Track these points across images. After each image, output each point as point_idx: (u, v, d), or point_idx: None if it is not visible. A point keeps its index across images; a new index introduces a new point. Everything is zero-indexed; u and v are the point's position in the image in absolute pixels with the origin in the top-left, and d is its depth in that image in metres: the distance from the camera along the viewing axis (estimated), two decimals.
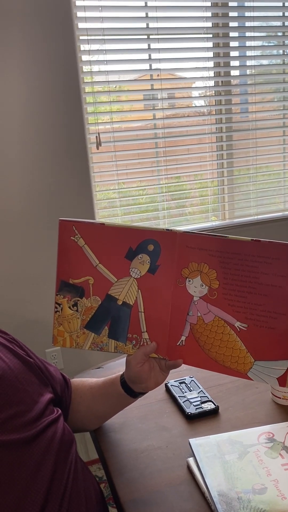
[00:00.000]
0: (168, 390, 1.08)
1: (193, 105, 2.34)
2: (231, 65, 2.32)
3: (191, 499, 0.78)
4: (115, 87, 2.14)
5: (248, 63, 2.33)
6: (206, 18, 2.17)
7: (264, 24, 2.31)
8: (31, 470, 0.75)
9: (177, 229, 0.80)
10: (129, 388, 0.89)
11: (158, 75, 2.17)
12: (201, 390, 1.05)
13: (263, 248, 0.74)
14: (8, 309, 2.06)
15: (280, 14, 2.31)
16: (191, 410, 0.98)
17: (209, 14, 2.18)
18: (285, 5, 2.30)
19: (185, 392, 1.05)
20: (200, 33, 2.19)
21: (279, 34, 2.36)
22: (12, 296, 2.06)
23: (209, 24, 2.21)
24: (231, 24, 2.27)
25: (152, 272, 0.81)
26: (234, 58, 2.30)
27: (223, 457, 0.83)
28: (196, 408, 0.99)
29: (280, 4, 2.29)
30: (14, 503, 0.71)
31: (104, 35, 2.02)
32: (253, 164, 2.45)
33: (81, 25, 1.97)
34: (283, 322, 0.75)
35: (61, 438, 0.82)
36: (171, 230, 0.79)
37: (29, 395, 0.82)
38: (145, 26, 2.11)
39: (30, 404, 0.81)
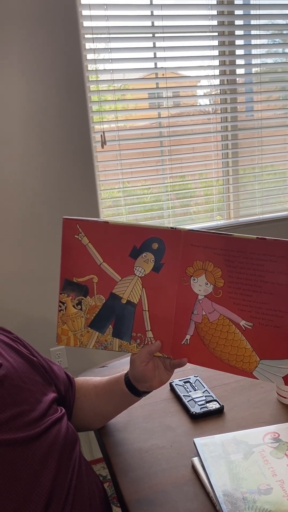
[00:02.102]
0: (172, 389, 1.08)
1: (198, 104, 2.33)
2: (236, 63, 2.31)
3: (195, 499, 0.78)
4: (120, 85, 2.13)
5: (254, 61, 2.32)
6: (211, 16, 2.16)
7: (270, 22, 2.30)
8: (35, 469, 0.74)
9: (182, 227, 0.79)
10: (134, 387, 0.88)
11: (163, 74, 2.16)
12: (206, 390, 1.04)
13: (268, 246, 0.74)
14: (12, 308, 2.06)
15: (287, 12, 2.30)
16: (195, 409, 0.98)
17: (214, 12, 2.17)
18: None
19: (190, 391, 1.05)
20: (206, 32, 2.18)
21: (285, 32, 2.34)
22: (16, 294, 2.06)
23: (215, 22, 2.20)
24: (237, 22, 2.26)
25: (156, 271, 0.81)
26: (240, 56, 2.29)
27: (228, 457, 0.82)
28: (201, 408, 0.98)
29: (287, 2, 2.28)
30: (18, 501, 0.71)
31: (109, 33, 2.01)
32: (258, 163, 2.44)
33: (86, 23, 1.97)
34: None
35: (65, 437, 0.82)
36: (175, 228, 0.79)
37: (33, 394, 0.82)
38: (150, 25, 2.11)
39: (34, 403, 0.81)
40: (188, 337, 0.82)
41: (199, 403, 1.00)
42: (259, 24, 2.25)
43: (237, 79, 2.32)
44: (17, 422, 0.76)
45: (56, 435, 0.80)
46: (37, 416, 0.79)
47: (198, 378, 1.09)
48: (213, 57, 2.22)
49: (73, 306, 0.84)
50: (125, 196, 2.22)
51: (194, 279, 0.79)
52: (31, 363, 0.87)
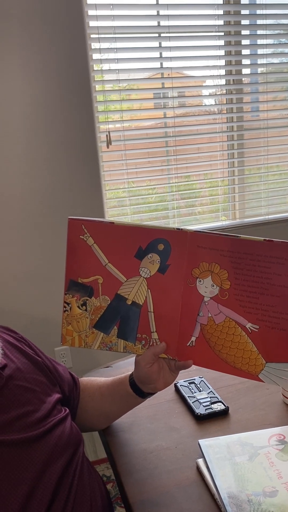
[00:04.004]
0: (177, 390, 1.07)
1: (204, 104, 2.32)
2: (242, 63, 2.30)
3: (200, 500, 0.77)
4: (126, 85, 2.13)
5: (260, 61, 2.31)
6: (217, 16, 2.16)
7: (276, 22, 2.29)
8: (38, 469, 0.74)
9: (188, 228, 0.79)
10: (138, 388, 0.88)
11: (169, 74, 2.16)
12: (211, 391, 1.04)
13: (275, 248, 0.73)
14: (17, 308, 2.07)
15: None
16: (200, 410, 0.98)
17: (220, 12, 2.16)
18: None
19: (195, 392, 1.04)
20: (212, 31, 2.17)
21: None
22: (21, 294, 2.06)
23: (221, 22, 2.19)
24: (243, 22, 2.25)
25: (162, 272, 0.80)
26: (246, 56, 2.29)
27: (233, 459, 0.82)
28: (206, 409, 0.98)
29: None
30: (22, 501, 0.71)
31: (115, 33, 2.01)
32: (264, 164, 2.43)
33: (92, 23, 1.97)
34: None
35: (69, 437, 0.82)
36: (181, 229, 0.78)
37: (37, 395, 0.82)
38: (156, 24, 2.10)
39: (38, 404, 0.81)
40: (193, 339, 0.82)
41: (204, 404, 1.00)
42: (265, 24, 2.24)
43: (243, 79, 2.32)
44: (21, 422, 0.76)
45: (60, 435, 0.80)
46: (41, 416, 0.79)
47: (203, 379, 1.09)
48: (219, 57, 2.21)
49: (78, 306, 0.84)
50: (130, 196, 2.22)
51: (200, 281, 0.79)
52: (35, 363, 0.88)
